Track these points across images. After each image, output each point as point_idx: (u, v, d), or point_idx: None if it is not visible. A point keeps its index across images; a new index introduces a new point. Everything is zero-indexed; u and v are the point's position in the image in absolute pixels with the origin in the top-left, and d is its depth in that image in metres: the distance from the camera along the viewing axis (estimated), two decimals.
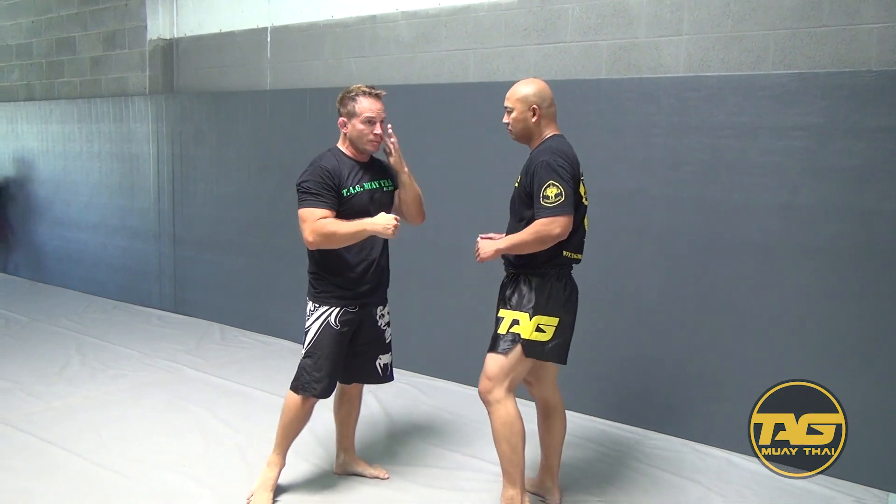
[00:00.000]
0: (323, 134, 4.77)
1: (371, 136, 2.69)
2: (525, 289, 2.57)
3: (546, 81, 3.68)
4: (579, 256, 2.65)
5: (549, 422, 2.86)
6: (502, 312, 2.61)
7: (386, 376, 2.96)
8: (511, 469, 2.58)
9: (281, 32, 5.15)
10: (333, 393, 2.87)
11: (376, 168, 2.83)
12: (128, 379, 4.27)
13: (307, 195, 2.63)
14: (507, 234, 2.63)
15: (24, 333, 5.24)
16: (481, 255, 2.57)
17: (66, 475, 3.01)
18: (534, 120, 2.58)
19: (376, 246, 2.78)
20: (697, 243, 3.43)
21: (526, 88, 2.61)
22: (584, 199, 2.61)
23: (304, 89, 4.94)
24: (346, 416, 3.04)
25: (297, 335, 5.01)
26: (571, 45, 3.85)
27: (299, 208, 2.64)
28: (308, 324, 2.77)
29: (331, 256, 2.70)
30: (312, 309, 2.76)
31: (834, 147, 3.09)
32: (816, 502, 2.87)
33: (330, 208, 2.61)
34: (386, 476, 3.06)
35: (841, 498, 2.95)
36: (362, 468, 3.07)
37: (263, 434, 3.48)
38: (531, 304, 2.54)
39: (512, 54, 4.06)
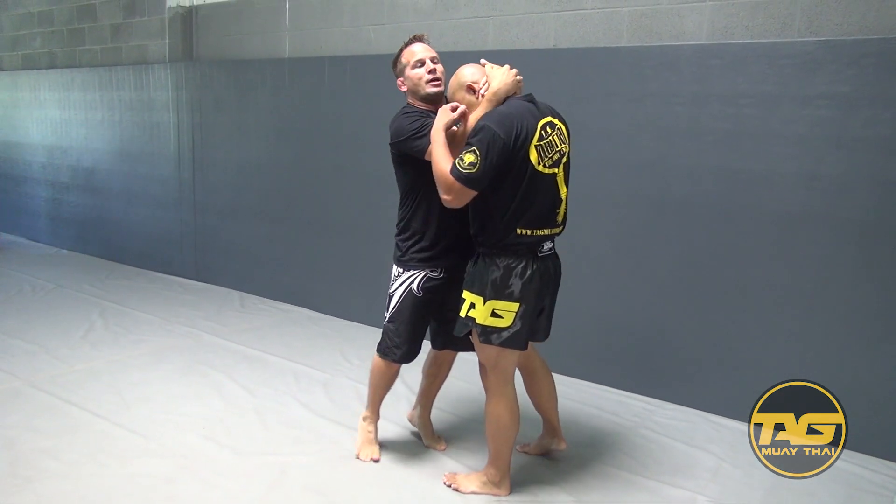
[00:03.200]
0: (341, 102, 4.79)
1: (428, 77, 2.60)
2: (481, 269, 2.44)
3: (566, 49, 3.65)
4: (544, 232, 2.44)
5: (534, 384, 2.86)
6: (464, 293, 2.49)
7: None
8: (493, 452, 2.62)
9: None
10: (429, 353, 2.96)
11: None
12: (149, 343, 4.34)
13: (420, 133, 2.51)
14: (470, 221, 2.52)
15: (49, 298, 5.34)
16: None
17: (88, 435, 3.09)
18: (476, 96, 2.47)
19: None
20: (717, 214, 3.39)
21: (456, 76, 2.53)
22: (538, 167, 2.35)
23: (323, 57, 4.92)
24: (433, 377, 3.04)
25: (316, 303, 5.11)
26: (592, 11, 3.79)
27: (427, 147, 2.48)
28: (392, 289, 2.76)
29: (420, 217, 2.67)
30: (397, 274, 2.75)
31: (860, 116, 3.03)
32: (830, 474, 2.85)
33: None
34: (443, 448, 3.05)
35: (855, 470, 2.94)
36: (426, 433, 3.09)
37: (280, 398, 3.54)
38: (485, 288, 2.41)
39: (531, 21, 4.00)
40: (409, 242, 2.71)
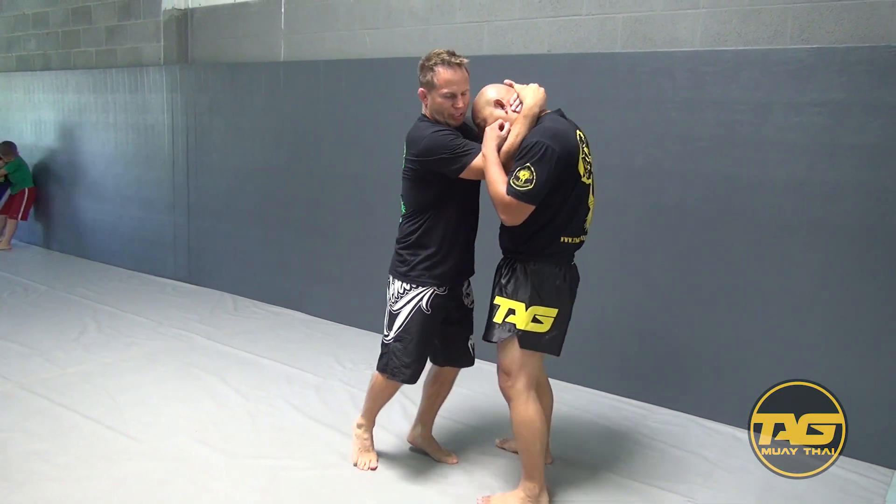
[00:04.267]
0: (336, 106, 4.80)
1: (452, 111, 2.53)
2: (521, 277, 2.47)
3: (560, 55, 3.69)
4: (579, 239, 2.54)
5: (538, 397, 2.87)
6: (498, 300, 2.52)
7: (473, 357, 2.89)
8: (529, 464, 2.57)
9: (295, 3, 5.12)
10: (430, 371, 2.89)
11: (466, 131, 2.63)
12: (142, 346, 4.33)
13: (465, 150, 2.47)
14: (501, 227, 2.59)
15: (42, 301, 5.32)
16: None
17: (79, 438, 3.07)
18: (504, 111, 2.50)
19: (471, 223, 2.72)
20: (710, 219, 3.41)
21: (481, 97, 2.55)
22: (583, 179, 2.45)
23: (318, 61, 4.92)
24: (435, 395, 2.97)
25: (309, 307, 5.11)
26: (586, 17, 3.81)
27: (468, 165, 2.46)
28: (397, 306, 2.67)
29: (436, 235, 2.61)
30: (402, 291, 2.66)
31: (851, 123, 3.05)
32: (821, 479, 2.87)
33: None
34: (455, 461, 2.98)
35: (846, 475, 2.95)
36: (433, 449, 3.02)
37: (273, 402, 3.54)
38: (527, 294, 2.45)
39: (526, 27, 4.02)
40: (419, 258, 2.63)
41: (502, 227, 2.58)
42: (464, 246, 2.69)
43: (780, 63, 3.18)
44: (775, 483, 2.86)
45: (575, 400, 3.64)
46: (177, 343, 4.43)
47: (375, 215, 4.62)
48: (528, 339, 2.47)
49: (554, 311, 2.47)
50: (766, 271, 3.30)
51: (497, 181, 2.37)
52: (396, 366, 2.70)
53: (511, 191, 2.32)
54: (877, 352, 3.07)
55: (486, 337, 2.56)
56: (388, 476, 2.85)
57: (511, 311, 2.48)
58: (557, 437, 3.12)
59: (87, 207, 6.93)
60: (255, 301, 5.43)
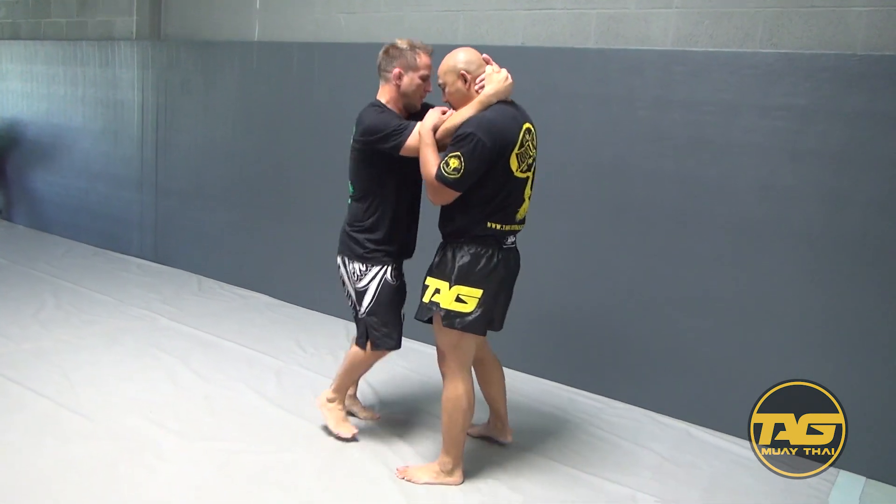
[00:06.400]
0: (308, 89, 4.75)
1: (422, 92, 2.75)
2: (448, 257, 2.56)
3: (533, 48, 3.68)
4: (510, 227, 2.56)
5: (485, 374, 2.95)
6: (428, 280, 2.62)
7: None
8: (448, 439, 2.66)
9: None
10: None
11: (417, 118, 2.77)
12: (101, 325, 4.27)
13: (403, 128, 2.60)
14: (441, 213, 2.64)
15: (0, 276, 5.21)
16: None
17: (30, 416, 3.03)
18: (466, 86, 2.54)
19: (414, 203, 2.88)
20: (674, 219, 3.44)
21: (452, 58, 2.56)
22: (516, 173, 2.48)
23: (292, 42, 4.87)
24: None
25: (275, 290, 5.08)
26: (561, 12, 3.81)
27: (404, 143, 2.58)
28: (362, 284, 2.80)
29: (389, 215, 2.76)
30: (364, 270, 2.79)
31: (815, 129, 3.09)
32: (766, 477, 2.91)
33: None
34: (377, 417, 3.23)
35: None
36: (357, 408, 3.25)
37: (232, 385, 3.51)
38: (452, 274, 2.53)
39: (501, 18, 4.01)
40: (374, 241, 2.77)
41: (440, 211, 2.63)
42: (409, 224, 2.88)
43: (748, 66, 3.20)
44: (721, 479, 2.92)
45: (533, 391, 3.66)
46: (138, 323, 4.37)
47: (344, 201, 4.59)
48: (450, 318, 2.53)
49: (478, 292, 2.51)
50: (725, 271, 3.33)
51: (429, 163, 2.47)
52: (379, 337, 2.83)
53: (440, 175, 2.42)
54: (830, 354, 3.12)
55: (417, 316, 2.65)
56: (340, 460, 2.86)
57: (437, 291, 2.56)
58: (513, 426, 3.13)
59: (52, 181, 6.80)
60: (221, 282, 5.37)
